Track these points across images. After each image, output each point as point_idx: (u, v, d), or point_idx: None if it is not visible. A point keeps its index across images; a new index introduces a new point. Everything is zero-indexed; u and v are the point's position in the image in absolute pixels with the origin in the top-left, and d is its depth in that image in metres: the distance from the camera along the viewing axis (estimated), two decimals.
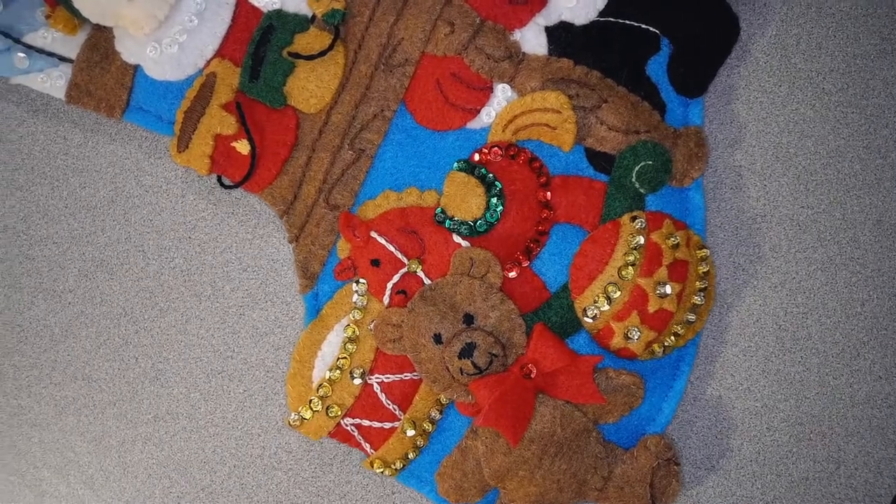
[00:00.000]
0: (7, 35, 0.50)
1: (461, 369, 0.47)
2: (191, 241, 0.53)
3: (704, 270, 0.49)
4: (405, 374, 0.50)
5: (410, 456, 0.49)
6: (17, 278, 0.53)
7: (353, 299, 0.50)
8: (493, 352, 0.47)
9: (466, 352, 0.47)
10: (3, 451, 0.53)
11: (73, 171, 0.53)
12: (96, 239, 0.53)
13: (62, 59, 0.51)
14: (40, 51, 0.50)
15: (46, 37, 0.50)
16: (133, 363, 0.53)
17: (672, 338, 0.49)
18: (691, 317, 0.49)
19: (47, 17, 0.50)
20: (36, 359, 0.53)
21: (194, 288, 0.53)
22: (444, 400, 0.50)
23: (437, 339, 0.48)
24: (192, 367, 0.53)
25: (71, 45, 0.50)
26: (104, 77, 0.50)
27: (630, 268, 0.47)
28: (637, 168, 0.49)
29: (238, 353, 0.53)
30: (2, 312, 0.53)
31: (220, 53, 0.50)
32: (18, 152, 0.53)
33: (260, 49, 0.49)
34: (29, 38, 0.50)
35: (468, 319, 0.48)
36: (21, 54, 0.50)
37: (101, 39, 0.50)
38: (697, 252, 0.49)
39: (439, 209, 0.50)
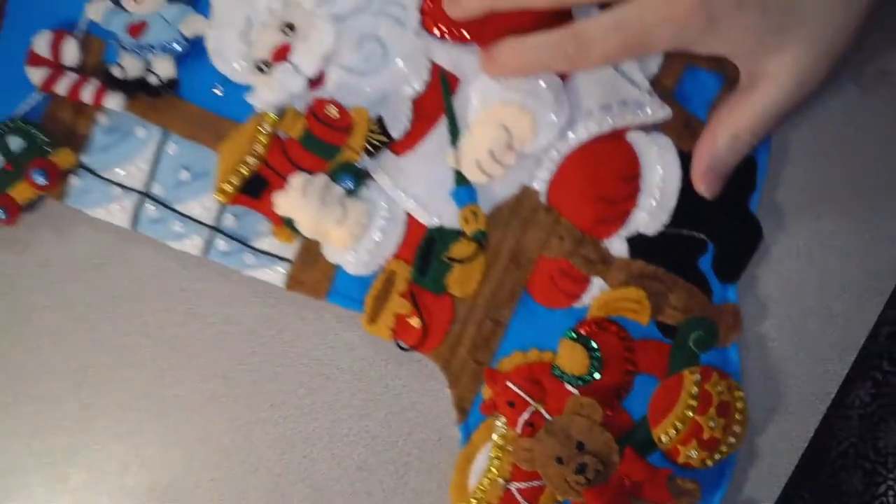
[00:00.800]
0: (240, 241, 0.59)
1: (576, 482, 0.56)
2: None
3: (741, 407, 0.58)
4: (535, 482, 0.57)
5: None
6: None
7: (495, 429, 0.58)
8: (598, 469, 0.55)
9: (580, 470, 0.55)
10: (168, 427, 0.62)
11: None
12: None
13: (280, 258, 0.59)
14: (265, 252, 0.59)
15: (270, 242, 0.58)
16: (258, 367, 0.62)
17: (719, 454, 0.57)
18: (732, 440, 0.57)
19: (273, 232, 0.58)
20: (189, 367, 0.62)
21: (301, 316, 0.62)
22: (562, 500, 0.58)
23: (559, 460, 0.56)
24: (300, 370, 0.62)
25: (287, 249, 0.58)
26: (313, 272, 0.59)
27: (690, 410, 0.56)
28: (692, 336, 0.58)
29: (331, 363, 0.62)
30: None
31: (396, 256, 0.58)
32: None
33: (426, 254, 0.58)
34: (255, 242, 0.59)
35: (580, 446, 0.56)
36: (250, 255, 0.59)
37: (311, 246, 0.58)
38: (736, 393, 0.58)
39: (555, 366, 0.58)
